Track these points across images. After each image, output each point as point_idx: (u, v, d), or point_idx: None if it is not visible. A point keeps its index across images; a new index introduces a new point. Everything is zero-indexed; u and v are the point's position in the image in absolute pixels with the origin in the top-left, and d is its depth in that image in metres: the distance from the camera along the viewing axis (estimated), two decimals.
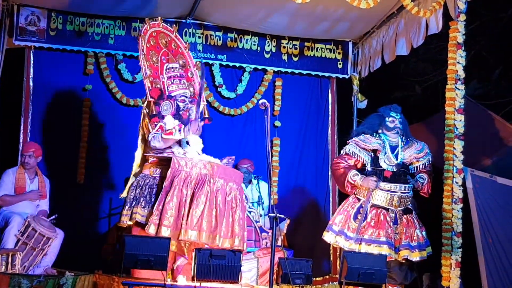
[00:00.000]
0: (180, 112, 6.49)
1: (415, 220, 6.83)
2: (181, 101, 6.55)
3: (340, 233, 6.79)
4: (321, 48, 9.06)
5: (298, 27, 8.60)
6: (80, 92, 8.47)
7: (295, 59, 9.01)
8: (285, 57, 8.97)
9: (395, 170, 6.80)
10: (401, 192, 6.76)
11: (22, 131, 8.15)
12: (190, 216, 6.04)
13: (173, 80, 6.64)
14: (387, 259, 6.51)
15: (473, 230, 6.91)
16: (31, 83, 8.26)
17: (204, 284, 5.88)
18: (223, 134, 8.70)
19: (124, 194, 6.57)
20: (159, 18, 6.92)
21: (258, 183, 8.22)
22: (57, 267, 6.96)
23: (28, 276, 6.19)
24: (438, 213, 6.79)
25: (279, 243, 7.69)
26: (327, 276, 8.45)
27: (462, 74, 6.86)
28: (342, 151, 7.04)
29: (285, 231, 8.06)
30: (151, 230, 5.98)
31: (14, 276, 6.08)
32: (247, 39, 8.84)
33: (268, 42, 8.91)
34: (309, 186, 9.06)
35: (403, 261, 6.74)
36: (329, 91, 9.24)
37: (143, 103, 8.31)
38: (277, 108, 9.00)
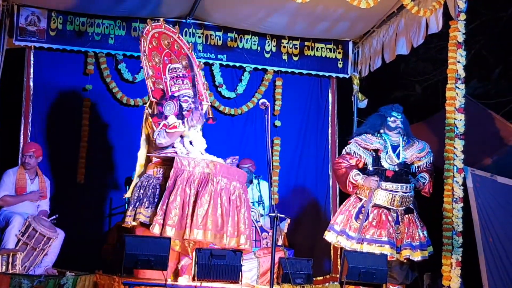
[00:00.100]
0: (183, 112, 6.49)
1: (416, 220, 6.82)
2: (184, 101, 6.56)
3: (342, 232, 6.78)
4: (321, 48, 9.05)
5: (298, 27, 8.60)
6: (80, 92, 8.46)
7: (295, 58, 9.00)
8: (285, 57, 8.97)
9: (396, 169, 6.80)
10: (403, 192, 6.76)
11: (22, 131, 8.15)
12: (195, 216, 6.03)
13: (176, 80, 6.65)
14: (389, 259, 6.52)
15: (474, 230, 6.91)
16: (31, 83, 8.26)
17: (204, 284, 5.88)
18: (223, 134, 8.70)
19: (128, 195, 6.58)
20: (161, 19, 6.93)
21: (258, 183, 8.22)
22: (57, 267, 6.97)
23: (29, 276, 6.19)
24: (438, 212, 6.79)
25: (280, 242, 7.69)
26: (328, 276, 8.45)
27: (462, 73, 6.86)
28: (343, 151, 7.03)
29: (285, 231, 8.06)
30: (156, 230, 5.98)
31: (14, 276, 6.08)
32: (247, 39, 8.84)
33: (268, 42, 8.91)
34: (310, 186, 9.06)
35: (405, 260, 6.73)
36: (329, 90, 9.24)
37: (144, 103, 8.40)
38: (277, 107, 9.00)
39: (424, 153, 6.93)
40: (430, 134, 7.75)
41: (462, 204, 6.68)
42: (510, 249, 7.01)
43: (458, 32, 6.88)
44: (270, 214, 5.90)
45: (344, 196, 7.62)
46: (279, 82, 9.05)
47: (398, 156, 6.84)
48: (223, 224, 6.14)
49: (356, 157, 6.90)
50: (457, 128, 6.78)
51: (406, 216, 6.78)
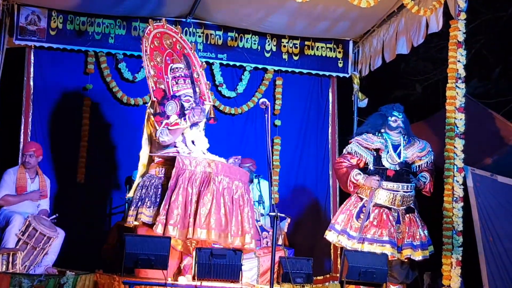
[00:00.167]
0: (185, 112, 6.49)
1: (417, 219, 6.82)
2: (186, 101, 6.56)
3: (343, 232, 6.78)
4: (322, 47, 9.05)
5: (299, 26, 8.59)
6: (80, 91, 8.46)
7: (296, 58, 9.00)
8: (285, 56, 8.97)
9: (397, 169, 6.80)
10: (404, 191, 6.75)
11: (22, 130, 8.14)
12: (198, 215, 6.03)
13: (178, 80, 6.65)
14: (390, 259, 6.52)
15: (474, 229, 6.91)
16: (31, 83, 8.26)
17: (204, 283, 5.87)
18: (223, 133, 8.69)
19: (130, 194, 6.58)
20: (163, 19, 6.93)
21: (258, 182, 8.22)
22: (58, 267, 6.97)
23: (29, 276, 6.19)
24: (438, 212, 6.79)
25: (280, 242, 7.69)
26: (328, 275, 8.45)
27: (462, 72, 6.86)
28: (344, 151, 7.03)
29: (285, 230, 8.06)
30: (159, 229, 5.98)
31: (15, 276, 6.08)
32: (248, 38, 8.83)
33: (268, 41, 8.91)
34: (310, 185, 9.06)
35: (405, 260, 6.73)
36: (330, 90, 9.23)
37: (144, 103, 8.40)
38: (277, 107, 8.99)
39: (425, 152, 6.93)
40: (430, 133, 7.75)
41: (462, 204, 6.68)
42: (510, 248, 7.01)
43: (458, 32, 6.88)
44: (270, 213, 5.90)
45: (344, 196, 7.62)
46: (279, 82, 9.05)
47: (399, 155, 6.84)
48: (227, 223, 6.14)
49: (357, 156, 6.90)
50: (457, 127, 6.78)
51: (407, 215, 6.78)
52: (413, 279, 6.99)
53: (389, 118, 6.92)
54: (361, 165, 6.91)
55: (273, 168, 8.70)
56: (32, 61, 8.27)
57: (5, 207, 7.11)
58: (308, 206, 8.97)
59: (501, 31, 10.70)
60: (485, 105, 8.72)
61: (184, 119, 6.41)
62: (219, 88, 8.84)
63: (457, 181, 6.69)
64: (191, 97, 6.59)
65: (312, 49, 9.03)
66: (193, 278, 5.88)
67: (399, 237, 6.68)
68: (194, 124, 6.54)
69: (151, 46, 6.71)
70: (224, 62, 8.84)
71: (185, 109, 6.51)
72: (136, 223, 6.22)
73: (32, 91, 8.24)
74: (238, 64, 8.91)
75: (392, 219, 6.71)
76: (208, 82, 7.13)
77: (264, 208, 8.11)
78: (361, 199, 6.85)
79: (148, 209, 6.17)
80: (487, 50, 10.83)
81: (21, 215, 6.92)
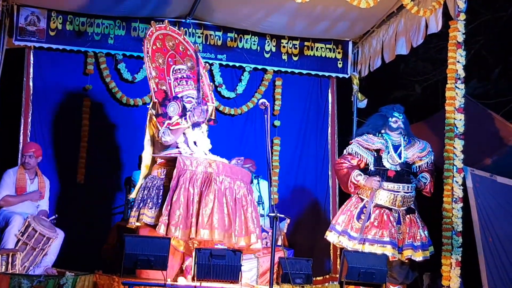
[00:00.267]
0: (187, 113, 6.49)
1: (418, 220, 6.82)
2: (188, 102, 6.57)
3: (344, 233, 6.78)
4: (321, 48, 9.05)
5: (298, 27, 8.60)
6: (80, 92, 8.46)
7: (295, 58, 9.00)
8: (285, 57, 8.97)
9: (398, 169, 6.80)
10: (404, 192, 6.76)
11: (22, 131, 8.14)
12: (201, 216, 6.02)
13: (180, 81, 6.65)
14: (391, 259, 6.52)
15: (473, 230, 6.91)
16: (31, 83, 8.26)
17: (204, 284, 5.88)
18: (223, 134, 8.68)
19: (133, 195, 6.58)
20: (166, 21, 6.92)
21: (258, 183, 8.22)
22: (57, 267, 6.96)
23: (29, 276, 6.19)
24: (438, 212, 6.79)
25: (280, 242, 7.69)
26: (328, 276, 8.45)
27: (462, 73, 6.87)
28: (345, 151, 7.03)
29: (285, 231, 8.06)
30: (162, 230, 5.97)
31: (14, 276, 6.07)
32: (247, 39, 8.84)
33: (268, 41, 8.91)
34: (309, 186, 9.06)
35: (406, 261, 6.73)
36: (329, 90, 9.24)
37: (143, 103, 8.40)
38: (277, 107, 9.00)
39: (425, 152, 6.93)
40: (430, 134, 7.75)
41: (461, 204, 6.68)
42: (509, 249, 7.02)
43: (457, 32, 6.88)
44: (270, 214, 5.90)
45: (344, 196, 7.62)
46: (278, 82, 9.05)
47: (399, 156, 6.85)
48: (230, 223, 6.13)
49: (357, 157, 6.90)
50: (456, 128, 6.78)
51: (408, 216, 6.78)
52: (413, 280, 6.99)
53: (390, 119, 6.92)
54: (362, 165, 6.91)
55: (272, 169, 8.70)
56: (32, 61, 8.28)
57: (5, 207, 7.11)
58: (307, 207, 8.98)
59: (501, 32, 10.71)
60: (485, 105, 8.72)
61: (185, 119, 6.42)
62: (219, 89, 8.84)
63: (457, 182, 6.69)
64: (193, 98, 6.60)
65: (312, 50, 9.03)
66: (193, 279, 5.88)
67: (399, 237, 6.69)
68: (196, 125, 6.54)
69: (153, 48, 6.70)
70: (224, 63, 8.84)
71: (187, 110, 6.51)
72: (138, 224, 6.22)
73: (31, 91, 8.24)
74: (237, 64, 8.92)
75: (393, 220, 6.71)
76: (211, 83, 7.13)
77: (263, 209, 8.11)
78: (362, 199, 6.85)
79: (150, 210, 6.17)
80: (486, 50, 10.83)
81: (21, 215, 6.92)
